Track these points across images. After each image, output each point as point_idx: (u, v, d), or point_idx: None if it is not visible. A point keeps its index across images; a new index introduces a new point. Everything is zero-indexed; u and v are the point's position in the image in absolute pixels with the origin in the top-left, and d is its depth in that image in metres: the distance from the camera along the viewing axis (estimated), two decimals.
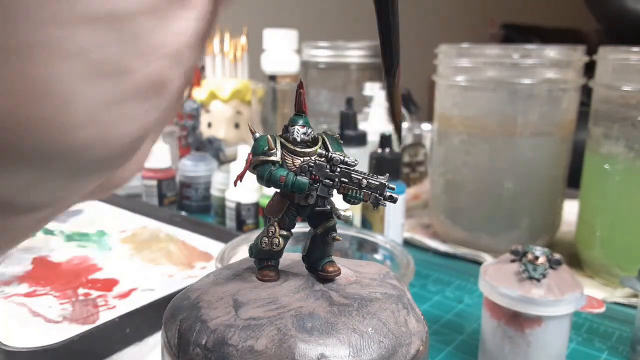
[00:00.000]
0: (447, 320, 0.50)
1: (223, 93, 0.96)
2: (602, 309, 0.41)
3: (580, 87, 0.63)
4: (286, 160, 0.23)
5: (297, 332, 0.20)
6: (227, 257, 0.45)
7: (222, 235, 0.61)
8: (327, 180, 0.23)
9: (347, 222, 0.24)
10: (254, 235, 0.43)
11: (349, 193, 0.23)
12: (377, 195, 0.23)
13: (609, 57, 0.55)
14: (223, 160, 0.87)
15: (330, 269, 0.25)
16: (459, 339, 0.47)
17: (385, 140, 0.58)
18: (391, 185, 0.23)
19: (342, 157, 0.23)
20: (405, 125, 0.85)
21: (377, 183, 0.23)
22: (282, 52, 1.01)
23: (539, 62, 0.59)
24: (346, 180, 0.23)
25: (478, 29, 2.72)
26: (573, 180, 0.66)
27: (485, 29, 2.72)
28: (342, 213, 0.24)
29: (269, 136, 0.23)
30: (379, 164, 0.58)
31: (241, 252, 0.43)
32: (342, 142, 0.25)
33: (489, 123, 0.61)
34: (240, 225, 0.66)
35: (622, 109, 0.54)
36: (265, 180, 0.23)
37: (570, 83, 0.61)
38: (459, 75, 0.63)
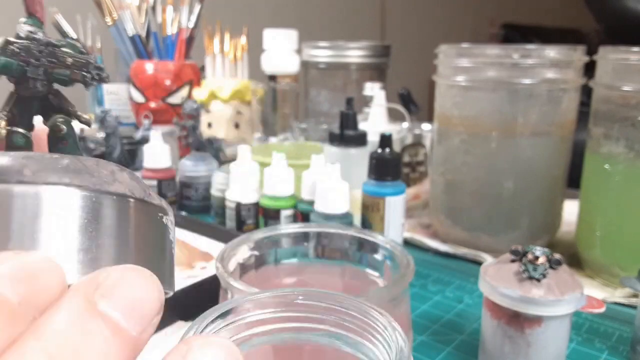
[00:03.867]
0: (447, 320, 0.50)
1: (223, 93, 0.96)
2: (602, 309, 0.41)
3: (580, 87, 0.63)
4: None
5: None
6: (227, 257, 0.45)
7: (222, 235, 0.61)
8: (34, 61, 0.22)
9: (88, 125, 0.24)
10: (254, 235, 0.43)
11: (55, 72, 0.22)
12: (84, 73, 0.22)
13: (609, 57, 0.55)
14: (223, 160, 0.87)
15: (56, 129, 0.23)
16: (459, 339, 0.47)
17: (385, 140, 0.58)
18: (99, 65, 0.23)
19: (47, 39, 0.22)
20: (405, 125, 0.85)
21: (83, 61, 0.22)
22: (282, 52, 1.01)
23: (539, 62, 0.59)
24: (54, 60, 0.22)
25: (478, 29, 2.72)
26: (573, 180, 0.66)
27: (485, 29, 2.72)
28: (84, 116, 0.23)
29: None
30: (379, 164, 0.58)
31: (241, 252, 0.43)
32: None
33: (489, 123, 0.61)
34: (240, 225, 0.66)
35: (622, 109, 0.54)
36: None
37: (570, 83, 0.61)
38: (459, 75, 0.63)
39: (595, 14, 1.63)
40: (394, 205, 0.57)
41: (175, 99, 1.00)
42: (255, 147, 0.80)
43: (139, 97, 1.00)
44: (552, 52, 0.60)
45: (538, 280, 0.38)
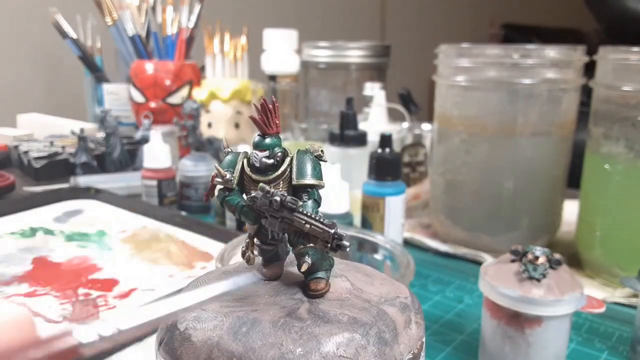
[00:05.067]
0: (447, 320, 0.50)
1: (223, 93, 0.96)
2: (602, 309, 0.41)
3: (580, 87, 0.63)
4: (245, 185, 0.23)
5: (225, 333, 0.20)
6: (227, 257, 0.45)
7: (222, 235, 0.61)
8: (270, 218, 0.21)
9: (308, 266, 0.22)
10: None
11: (291, 238, 0.22)
12: (325, 242, 0.21)
13: (609, 57, 0.55)
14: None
15: (314, 287, 0.23)
16: (459, 339, 0.47)
17: (385, 140, 0.58)
18: (340, 232, 0.21)
19: (281, 198, 0.21)
20: (405, 125, 0.85)
21: (321, 230, 0.21)
22: (282, 52, 1.01)
23: (539, 62, 0.59)
24: (290, 221, 0.21)
25: (478, 29, 2.72)
26: (573, 180, 0.66)
27: (485, 29, 2.72)
28: (306, 259, 0.22)
29: (229, 157, 0.23)
30: (379, 164, 0.58)
31: (241, 252, 0.43)
32: (324, 160, 0.23)
33: (489, 123, 0.61)
34: (240, 226, 0.66)
35: (622, 109, 0.54)
36: (220, 204, 0.23)
37: (570, 83, 0.61)
38: (459, 75, 0.63)
39: (595, 14, 1.63)
40: (394, 205, 0.57)
41: (175, 99, 1.00)
42: None
43: (139, 97, 1.00)
44: (552, 52, 0.60)
45: (538, 280, 0.38)
